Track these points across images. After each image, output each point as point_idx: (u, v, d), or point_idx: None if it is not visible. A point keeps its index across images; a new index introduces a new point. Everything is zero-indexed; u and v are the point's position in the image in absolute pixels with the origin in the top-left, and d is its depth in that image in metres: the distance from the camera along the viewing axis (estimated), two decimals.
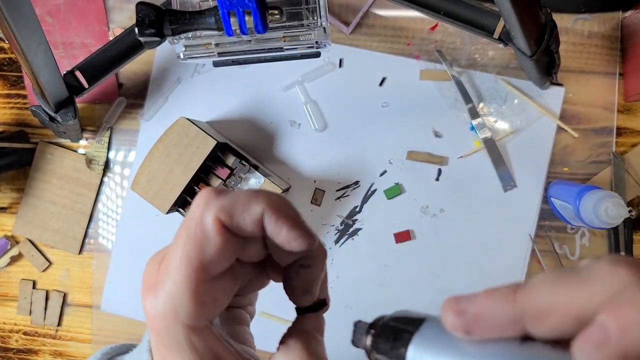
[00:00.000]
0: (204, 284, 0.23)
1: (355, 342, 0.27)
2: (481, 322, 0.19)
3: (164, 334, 0.23)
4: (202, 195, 0.23)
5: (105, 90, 0.68)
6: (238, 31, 0.38)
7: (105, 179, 0.68)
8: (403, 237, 0.65)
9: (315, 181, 0.66)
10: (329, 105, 0.66)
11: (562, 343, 0.18)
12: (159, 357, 0.24)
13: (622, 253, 0.63)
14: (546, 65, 0.55)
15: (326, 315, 0.34)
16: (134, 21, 0.40)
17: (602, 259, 0.18)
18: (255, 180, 0.62)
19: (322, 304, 0.29)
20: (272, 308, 0.65)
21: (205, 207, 0.23)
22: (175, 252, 0.23)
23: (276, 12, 0.39)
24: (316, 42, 0.43)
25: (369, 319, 0.30)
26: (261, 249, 0.26)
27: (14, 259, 0.69)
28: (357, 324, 0.27)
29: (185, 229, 0.23)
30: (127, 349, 0.34)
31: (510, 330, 0.19)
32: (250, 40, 0.43)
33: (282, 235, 0.23)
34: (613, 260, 0.17)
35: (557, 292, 0.18)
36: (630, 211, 0.53)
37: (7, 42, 0.68)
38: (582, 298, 0.18)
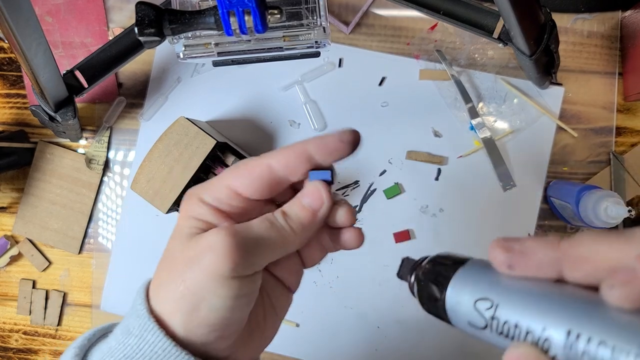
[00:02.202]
0: None
1: (401, 276, 0.29)
2: (524, 259, 0.22)
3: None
4: None
5: (104, 89, 0.68)
6: (238, 31, 0.38)
7: (105, 179, 0.68)
8: (403, 236, 0.65)
9: None
10: (329, 105, 0.66)
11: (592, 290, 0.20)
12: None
13: None
14: (546, 64, 0.55)
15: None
16: (133, 21, 0.40)
17: None
18: None
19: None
20: None
21: None
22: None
23: (276, 11, 0.39)
24: (316, 42, 0.43)
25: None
26: None
27: (14, 259, 0.69)
28: (405, 260, 0.29)
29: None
30: (110, 327, 0.34)
31: (548, 271, 0.21)
32: (249, 40, 0.43)
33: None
34: None
35: (598, 244, 0.20)
36: (629, 211, 0.53)
37: (6, 41, 0.68)
38: (620, 251, 0.19)
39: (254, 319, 0.32)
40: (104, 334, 0.34)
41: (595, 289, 0.20)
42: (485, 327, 0.23)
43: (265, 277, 0.33)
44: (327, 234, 0.33)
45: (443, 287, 0.25)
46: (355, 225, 0.33)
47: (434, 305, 0.26)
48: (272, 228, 0.29)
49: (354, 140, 0.29)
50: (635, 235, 0.19)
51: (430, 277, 0.26)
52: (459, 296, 0.24)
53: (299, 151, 0.29)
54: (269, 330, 0.33)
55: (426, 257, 0.28)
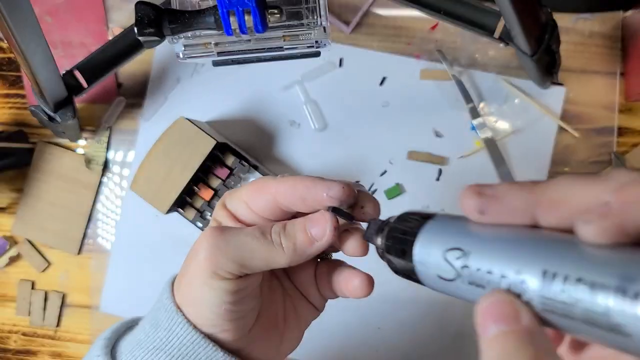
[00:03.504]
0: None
1: (368, 238, 0.28)
2: (497, 204, 0.21)
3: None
4: None
5: (104, 90, 0.67)
6: (237, 30, 0.38)
7: (104, 179, 0.68)
8: None
9: None
10: (329, 105, 0.66)
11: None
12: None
13: None
14: (547, 64, 0.55)
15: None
16: (133, 20, 0.40)
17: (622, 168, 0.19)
18: None
19: None
20: None
21: None
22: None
23: (276, 11, 0.39)
24: (316, 42, 0.43)
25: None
26: None
27: (13, 260, 0.69)
28: (371, 222, 0.29)
29: None
30: (135, 320, 0.36)
31: (522, 216, 0.20)
32: (249, 40, 0.43)
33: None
34: (631, 169, 0.18)
35: (574, 186, 0.19)
36: None
37: (5, 41, 0.68)
38: (595, 191, 0.19)
39: (272, 319, 0.33)
40: (129, 326, 0.35)
41: (570, 232, 0.19)
42: (456, 278, 0.22)
43: (292, 287, 0.34)
44: (330, 276, 0.33)
45: (411, 242, 0.24)
46: (366, 273, 0.32)
47: (403, 264, 0.25)
48: (261, 239, 0.29)
49: (340, 198, 0.28)
50: (611, 175, 0.19)
51: (398, 234, 0.25)
52: (428, 249, 0.23)
53: (296, 190, 0.29)
54: (289, 333, 0.34)
55: (392, 217, 0.27)
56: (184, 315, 0.30)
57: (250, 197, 0.30)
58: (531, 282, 0.19)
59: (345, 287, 0.32)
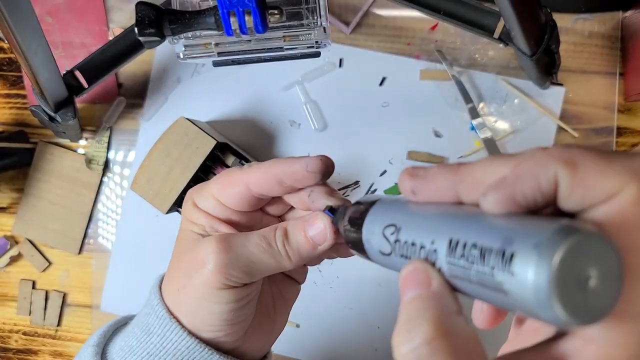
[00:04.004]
0: None
1: (336, 224, 0.30)
2: (426, 184, 0.23)
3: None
4: None
5: (104, 90, 0.67)
6: (238, 31, 0.38)
7: (105, 179, 0.68)
8: None
9: None
10: (329, 105, 0.66)
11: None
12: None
13: None
14: (546, 65, 0.55)
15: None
16: (133, 21, 0.40)
17: (539, 147, 0.20)
18: None
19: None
20: None
21: None
22: None
23: (276, 11, 0.39)
24: (316, 42, 0.43)
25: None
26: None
27: (14, 259, 0.69)
28: (340, 208, 0.30)
29: None
30: (122, 321, 0.36)
31: (448, 194, 0.22)
32: (250, 40, 0.43)
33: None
34: (546, 147, 0.20)
35: (490, 166, 0.21)
36: None
37: (6, 42, 0.68)
38: (503, 168, 0.20)
39: (264, 311, 0.33)
40: (116, 328, 0.35)
41: None
42: (391, 252, 0.24)
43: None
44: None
45: (361, 222, 0.26)
46: None
47: (357, 243, 0.27)
48: (269, 251, 0.29)
49: (321, 170, 0.29)
50: (522, 154, 0.20)
51: (354, 216, 0.28)
52: (372, 227, 0.26)
53: (271, 175, 0.29)
54: (279, 318, 0.35)
55: (350, 205, 0.29)
56: (177, 321, 0.30)
57: (220, 193, 0.30)
58: (441, 251, 0.21)
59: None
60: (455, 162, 0.23)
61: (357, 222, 0.27)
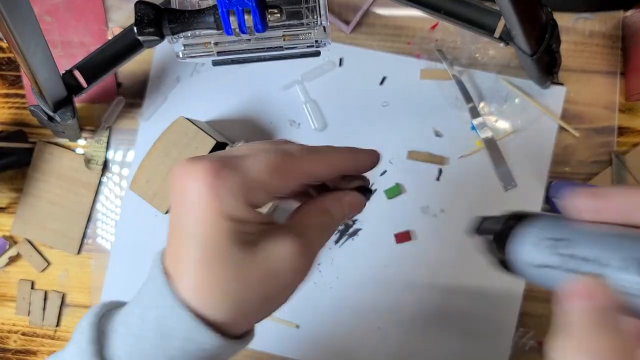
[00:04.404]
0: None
1: (480, 232, 0.33)
2: (609, 205, 0.24)
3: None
4: None
5: (103, 89, 0.67)
6: (237, 30, 0.38)
7: (104, 179, 0.68)
8: (403, 237, 0.65)
9: None
10: (329, 104, 0.66)
11: None
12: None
13: None
14: (547, 64, 0.55)
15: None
16: (132, 20, 0.40)
17: None
18: None
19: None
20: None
21: None
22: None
23: (276, 10, 0.39)
24: (316, 41, 0.43)
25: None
26: None
27: (13, 259, 0.69)
28: (483, 219, 0.34)
29: None
30: (119, 304, 0.32)
31: (630, 216, 0.24)
32: (249, 39, 0.43)
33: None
34: None
35: None
36: None
37: (5, 41, 0.68)
38: None
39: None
40: (110, 309, 0.31)
41: None
42: (554, 265, 0.26)
43: None
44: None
45: (507, 234, 0.29)
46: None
47: (500, 250, 0.29)
48: (326, 233, 0.31)
49: (379, 162, 0.33)
50: None
51: (497, 228, 0.31)
52: (529, 238, 0.28)
53: (339, 167, 0.31)
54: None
55: (496, 216, 0.32)
56: (203, 322, 0.27)
57: (277, 187, 0.27)
58: (613, 268, 0.22)
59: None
60: (631, 185, 0.25)
61: (504, 233, 0.29)
